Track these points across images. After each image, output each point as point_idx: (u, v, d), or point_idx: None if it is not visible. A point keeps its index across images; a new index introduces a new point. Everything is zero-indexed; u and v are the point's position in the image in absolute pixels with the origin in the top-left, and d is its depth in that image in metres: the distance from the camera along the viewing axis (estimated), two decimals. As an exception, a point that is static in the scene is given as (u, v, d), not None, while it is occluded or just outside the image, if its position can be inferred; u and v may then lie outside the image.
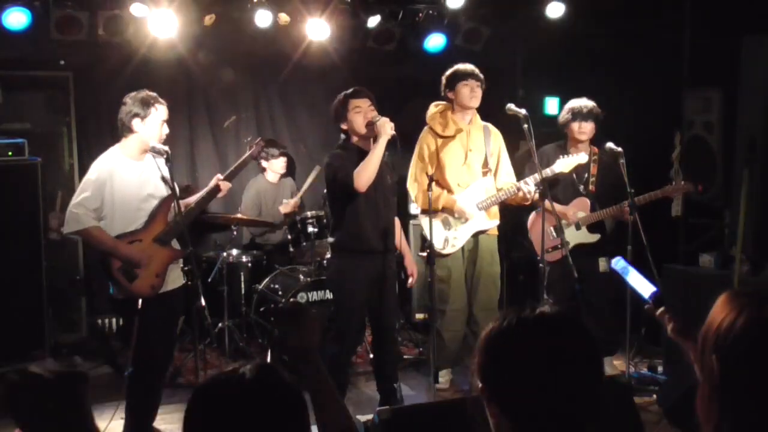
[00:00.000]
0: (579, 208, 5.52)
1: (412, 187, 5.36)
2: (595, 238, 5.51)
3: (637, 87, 6.41)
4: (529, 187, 5.15)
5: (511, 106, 5.08)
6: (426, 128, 5.39)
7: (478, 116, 5.42)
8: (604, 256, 5.44)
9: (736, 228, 5.63)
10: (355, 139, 4.81)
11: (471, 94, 5.28)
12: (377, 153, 4.64)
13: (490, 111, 5.69)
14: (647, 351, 6.24)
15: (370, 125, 4.69)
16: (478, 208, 5.32)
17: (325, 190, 6.05)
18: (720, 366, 1.63)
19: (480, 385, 1.57)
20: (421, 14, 6.65)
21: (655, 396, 5.33)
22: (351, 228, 4.80)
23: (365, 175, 4.65)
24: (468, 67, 5.30)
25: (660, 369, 5.80)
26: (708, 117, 5.85)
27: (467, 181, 5.32)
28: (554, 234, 5.41)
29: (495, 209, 5.43)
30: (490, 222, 5.41)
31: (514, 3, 6.76)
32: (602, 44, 6.70)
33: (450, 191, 5.30)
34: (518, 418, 1.51)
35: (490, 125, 5.45)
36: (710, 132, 5.85)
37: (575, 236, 5.49)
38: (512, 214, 6.52)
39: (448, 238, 5.30)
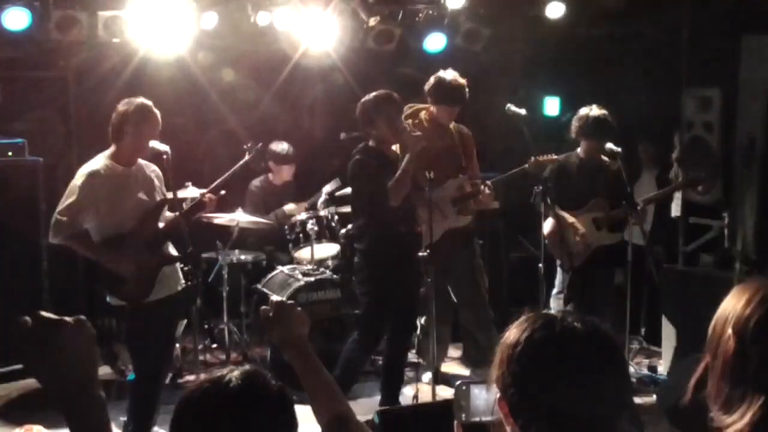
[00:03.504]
0: (596, 209, 5.45)
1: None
2: (617, 237, 5.45)
3: (637, 87, 6.41)
4: (487, 190, 5.20)
5: (510, 106, 5.10)
6: None
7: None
8: (621, 266, 5.42)
9: (736, 228, 5.63)
10: (375, 143, 4.84)
11: (450, 117, 5.35)
12: (408, 169, 4.73)
13: (490, 111, 5.70)
14: (647, 351, 6.25)
15: (400, 134, 4.75)
16: (452, 206, 5.34)
17: (326, 191, 6.08)
18: (735, 341, 1.65)
19: (498, 396, 1.54)
20: (421, 14, 6.64)
21: (655, 396, 5.33)
22: (386, 233, 4.81)
23: (401, 192, 4.77)
24: (460, 89, 5.24)
25: (660, 369, 5.81)
26: (708, 117, 5.85)
27: (440, 179, 5.25)
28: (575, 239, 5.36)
29: (468, 207, 5.44)
30: (463, 219, 5.42)
31: (514, 3, 6.75)
32: (602, 44, 6.70)
33: (421, 188, 5.26)
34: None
35: (462, 126, 5.49)
36: (710, 132, 5.85)
37: (597, 237, 5.43)
38: (512, 213, 6.51)
39: (423, 235, 5.30)
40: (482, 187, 5.23)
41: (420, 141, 4.72)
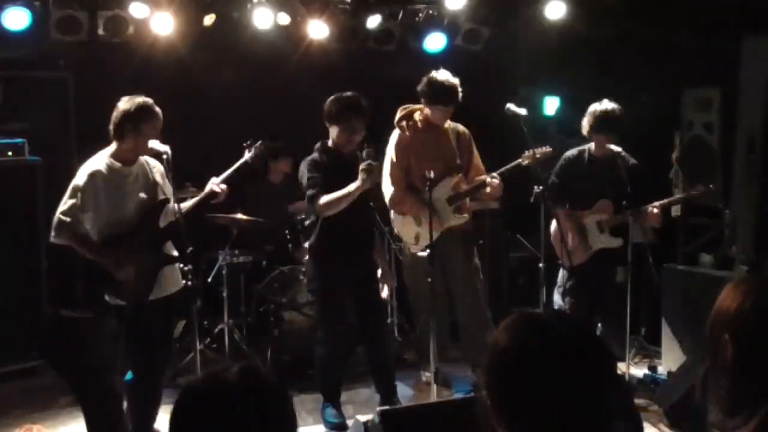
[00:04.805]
0: (601, 211, 5.38)
1: (387, 190, 5.35)
2: (617, 242, 5.37)
3: (637, 87, 6.42)
4: (495, 180, 5.12)
5: (510, 106, 5.08)
6: (395, 131, 5.42)
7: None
8: (623, 265, 5.38)
9: (736, 228, 5.64)
10: (331, 142, 4.88)
11: (443, 117, 5.31)
12: (350, 194, 4.72)
13: (489, 111, 5.69)
14: (647, 351, 6.25)
15: (355, 148, 4.81)
16: (448, 205, 5.32)
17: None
18: (733, 346, 1.65)
19: (489, 401, 1.54)
20: (421, 14, 6.65)
21: (655, 396, 5.33)
22: (326, 232, 4.89)
23: (332, 209, 4.77)
24: (452, 89, 5.18)
25: (660, 369, 5.81)
26: (708, 117, 5.86)
27: (436, 179, 5.22)
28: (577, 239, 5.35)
29: (465, 206, 5.42)
30: (460, 218, 5.39)
31: (514, 3, 6.76)
32: (602, 44, 6.70)
33: (418, 189, 5.25)
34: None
35: (459, 125, 5.46)
36: (710, 132, 5.85)
37: (599, 239, 5.39)
38: (512, 213, 6.52)
39: (420, 235, 5.30)
40: (489, 179, 5.19)
41: (369, 179, 4.70)
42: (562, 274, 5.46)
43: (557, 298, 5.46)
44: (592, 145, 5.41)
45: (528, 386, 1.47)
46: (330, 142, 4.97)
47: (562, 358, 1.47)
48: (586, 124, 5.33)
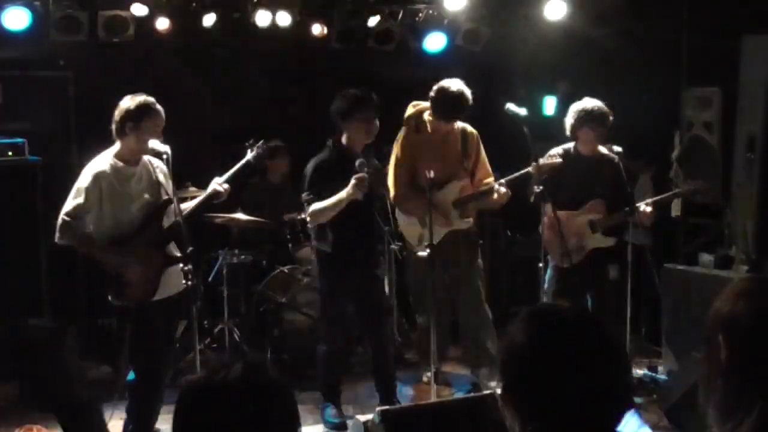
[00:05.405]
0: (593, 211, 5.34)
1: (392, 188, 5.35)
2: (611, 241, 5.35)
3: (637, 87, 6.41)
4: (503, 189, 5.10)
5: (510, 106, 5.07)
6: (403, 128, 5.40)
7: None
8: (614, 263, 5.37)
9: (736, 228, 5.63)
10: (345, 140, 4.85)
11: (448, 127, 5.29)
12: (338, 204, 4.73)
13: (490, 111, 5.68)
14: (647, 351, 6.25)
15: (362, 147, 4.83)
16: (453, 207, 5.31)
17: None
18: (727, 347, 1.67)
19: (503, 397, 1.56)
20: (421, 14, 6.65)
21: (655, 396, 5.33)
22: (332, 234, 4.88)
23: (321, 218, 4.83)
24: (459, 105, 5.13)
25: (660, 369, 5.81)
26: (707, 117, 5.86)
27: (442, 180, 5.24)
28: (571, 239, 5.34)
29: (470, 209, 5.40)
30: (465, 221, 5.39)
31: (514, 3, 6.76)
32: (602, 44, 6.70)
33: (423, 190, 5.21)
34: (546, 427, 1.50)
35: (467, 126, 5.42)
36: (710, 132, 5.85)
37: (591, 240, 5.34)
38: (512, 213, 6.51)
39: (423, 235, 5.29)
40: (496, 186, 5.18)
41: (359, 190, 4.68)
42: (549, 274, 5.44)
43: (546, 300, 5.43)
44: (577, 144, 5.36)
45: (543, 382, 1.49)
46: (344, 140, 4.93)
47: (577, 354, 1.49)
48: (568, 121, 5.30)
